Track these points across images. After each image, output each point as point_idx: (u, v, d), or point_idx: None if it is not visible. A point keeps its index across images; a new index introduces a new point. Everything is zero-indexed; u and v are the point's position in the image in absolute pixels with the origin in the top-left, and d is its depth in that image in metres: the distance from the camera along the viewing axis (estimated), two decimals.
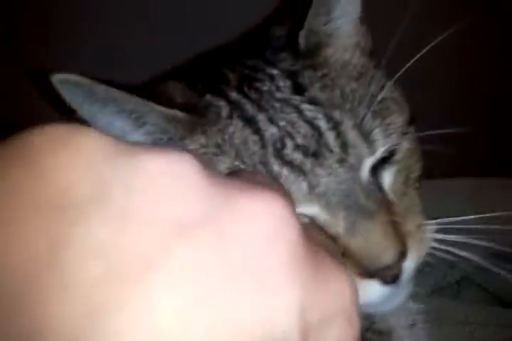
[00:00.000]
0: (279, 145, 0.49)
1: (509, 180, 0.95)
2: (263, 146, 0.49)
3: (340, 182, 0.48)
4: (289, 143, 0.49)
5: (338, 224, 0.48)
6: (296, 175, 0.48)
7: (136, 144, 0.24)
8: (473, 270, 0.87)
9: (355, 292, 0.28)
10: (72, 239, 0.21)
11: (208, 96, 0.53)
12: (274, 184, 0.31)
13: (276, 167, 0.49)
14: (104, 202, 0.21)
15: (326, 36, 0.55)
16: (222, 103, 0.52)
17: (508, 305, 0.82)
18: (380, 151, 0.51)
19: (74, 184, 0.21)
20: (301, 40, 0.54)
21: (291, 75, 0.52)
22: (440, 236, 0.54)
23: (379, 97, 0.52)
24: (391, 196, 0.51)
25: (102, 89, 0.48)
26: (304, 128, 0.50)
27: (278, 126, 0.50)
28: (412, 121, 0.56)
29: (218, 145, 0.50)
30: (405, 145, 0.53)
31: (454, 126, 1.09)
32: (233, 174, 0.35)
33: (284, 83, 0.52)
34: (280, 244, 0.24)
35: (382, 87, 0.54)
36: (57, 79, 0.48)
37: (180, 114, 0.51)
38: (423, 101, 1.05)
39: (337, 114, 0.50)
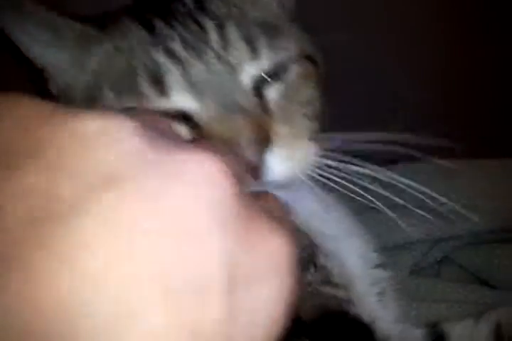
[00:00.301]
0: (166, 38, 0.55)
1: (493, 162, 0.96)
2: (153, 42, 0.56)
3: (216, 78, 0.53)
4: (175, 37, 0.55)
5: (208, 114, 0.52)
6: (176, 66, 0.54)
7: (77, 109, 0.26)
8: (454, 250, 0.88)
9: (290, 254, 0.29)
10: (1, 185, 0.23)
11: (124, 18, 0.60)
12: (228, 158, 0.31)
13: (160, 58, 0.54)
14: (36, 157, 0.24)
15: None
16: (133, 20, 0.60)
17: (489, 285, 0.83)
18: (265, 63, 0.55)
19: (13, 143, 0.24)
20: None
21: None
22: (326, 161, 0.57)
23: (271, 21, 0.58)
24: (274, 109, 0.55)
25: (28, 4, 0.56)
26: (192, 27, 0.56)
27: (171, 26, 0.57)
28: (309, 57, 0.59)
29: (121, 50, 0.57)
30: (296, 69, 0.57)
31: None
32: (193, 142, 0.36)
33: (190, 2, 0.59)
34: (209, 202, 0.26)
35: (280, 19, 0.60)
36: None
37: (91, 28, 0.59)
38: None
39: (227, 22, 0.56)
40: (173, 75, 0.54)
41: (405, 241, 0.86)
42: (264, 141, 0.51)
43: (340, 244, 0.62)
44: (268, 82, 0.55)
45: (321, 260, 0.57)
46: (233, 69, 0.54)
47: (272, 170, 0.52)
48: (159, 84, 0.54)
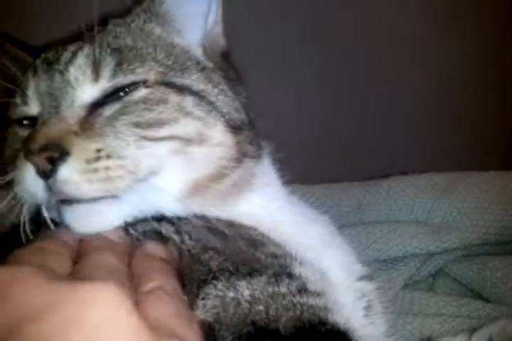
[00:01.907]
0: (37, 58, 0.66)
1: (484, 174, 0.96)
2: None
3: (54, 91, 0.61)
4: (41, 56, 0.65)
5: (42, 120, 0.59)
6: (32, 77, 0.63)
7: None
8: (448, 263, 0.88)
9: None
10: None
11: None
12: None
13: (28, 74, 0.64)
14: None
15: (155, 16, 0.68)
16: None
17: (483, 297, 0.83)
18: (105, 84, 0.60)
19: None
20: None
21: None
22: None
23: (136, 49, 0.63)
24: (100, 124, 0.58)
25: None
26: (60, 49, 0.64)
27: (51, 49, 0.66)
28: (165, 84, 0.62)
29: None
30: (140, 93, 0.60)
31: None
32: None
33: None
34: (115, 326, 0.36)
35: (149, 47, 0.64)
36: None
37: (31, 57, 0.72)
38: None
39: (86, 45, 0.63)
40: (31, 88, 0.63)
41: (398, 254, 0.86)
42: (55, 150, 0.54)
43: (320, 254, 0.62)
44: (110, 101, 0.59)
45: (296, 269, 0.57)
46: (70, 86, 0.60)
47: (60, 180, 0.53)
48: (24, 95, 0.63)
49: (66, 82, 0.60)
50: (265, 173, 0.69)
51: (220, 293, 0.51)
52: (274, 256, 0.58)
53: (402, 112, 1.06)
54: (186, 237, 0.56)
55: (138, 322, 0.36)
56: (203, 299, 0.50)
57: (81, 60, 0.61)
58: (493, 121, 1.11)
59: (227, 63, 0.71)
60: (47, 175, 0.54)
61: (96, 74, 0.60)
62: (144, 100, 0.59)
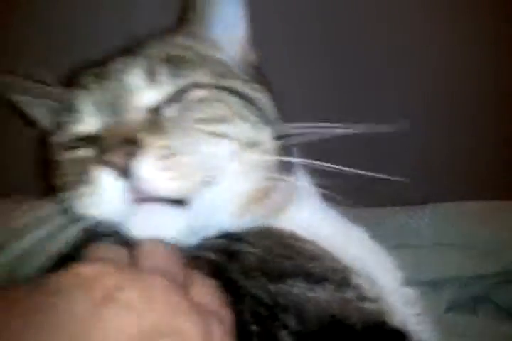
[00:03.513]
0: (82, 75, 0.68)
1: None
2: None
3: (112, 98, 0.62)
4: (89, 73, 0.67)
5: (104, 129, 0.60)
6: (81, 91, 0.65)
7: None
8: (489, 287, 0.90)
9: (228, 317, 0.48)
10: None
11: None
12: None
13: (75, 91, 0.66)
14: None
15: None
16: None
17: None
18: (165, 87, 0.62)
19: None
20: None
21: None
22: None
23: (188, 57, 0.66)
24: (165, 122, 0.59)
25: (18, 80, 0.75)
26: (110, 63, 0.66)
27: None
28: (217, 87, 0.64)
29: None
30: (197, 94, 0.62)
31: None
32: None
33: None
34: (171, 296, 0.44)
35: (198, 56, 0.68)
36: None
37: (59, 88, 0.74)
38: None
39: (138, 57, 0.65)
40: (82, 101, 0.64)
41: (441, 278, 0.88)
42: (130, 147, 0.54)
43: (367, 263, 0.64)
44: (166, 102, 0.61)
45: (354, 280, 0.59)
46: (128, 91, 0.62)
47: (141, 178, 0.54)
48: (75, 111, 0.64)
49: (123, 89, 0.61)
50: (305, 185, 0.70)
51: (300, 290, 0.54)
52: (333, 269, 0.60)
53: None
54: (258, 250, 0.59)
55: (190, 304, 0.44)
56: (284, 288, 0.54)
57: (135, 68, 0.63)
58: None
59: (260, 76, 0.72)
60: (127, 173, 0.54)
61: (152, 80, 0.62)
62: (203, 99, 0.61)
